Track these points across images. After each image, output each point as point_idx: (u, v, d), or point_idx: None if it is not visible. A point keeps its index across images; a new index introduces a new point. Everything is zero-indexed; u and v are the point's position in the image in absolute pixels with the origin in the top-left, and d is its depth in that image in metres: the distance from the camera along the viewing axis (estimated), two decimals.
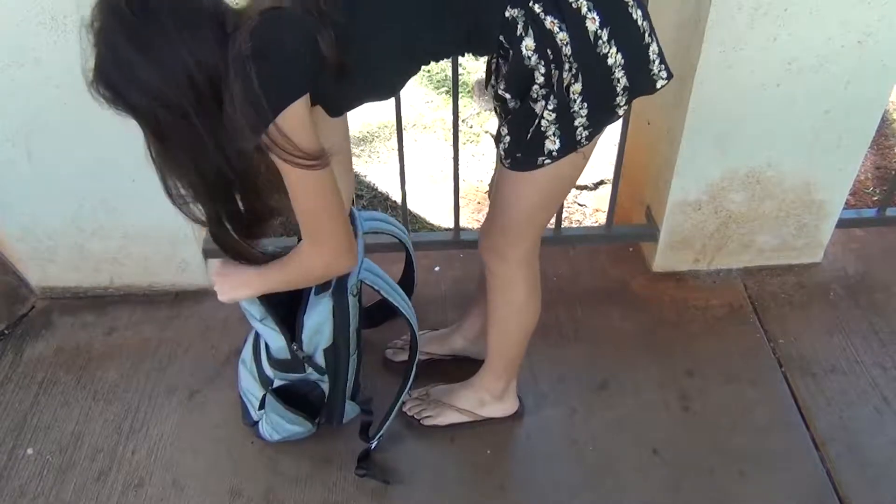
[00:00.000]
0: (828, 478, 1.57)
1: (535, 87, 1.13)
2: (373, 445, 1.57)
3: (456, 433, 1.65)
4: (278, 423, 1.56)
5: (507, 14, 1.08)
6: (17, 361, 1.84)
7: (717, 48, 1.62)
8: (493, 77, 1.25)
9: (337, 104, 1.20)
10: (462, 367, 1.70)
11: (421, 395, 1.68)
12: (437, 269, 2.08)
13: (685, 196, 1.89)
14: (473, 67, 3.27)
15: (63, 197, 1.80)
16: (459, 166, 1.91)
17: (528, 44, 1.09)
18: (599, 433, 1.66)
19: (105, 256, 1.93)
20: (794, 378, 1.77)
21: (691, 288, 2.02)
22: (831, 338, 1.87)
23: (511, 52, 1.11)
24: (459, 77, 1.81)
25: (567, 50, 1.09)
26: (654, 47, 1.17)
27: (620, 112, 1.19)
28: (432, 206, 2.62)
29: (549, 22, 1.07)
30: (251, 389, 1.58)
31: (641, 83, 1.17)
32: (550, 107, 1.13)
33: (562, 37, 1.08)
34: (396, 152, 1.89)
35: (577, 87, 1.12)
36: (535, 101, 1.14)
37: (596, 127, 1.18)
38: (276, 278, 1.30)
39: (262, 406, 1.55)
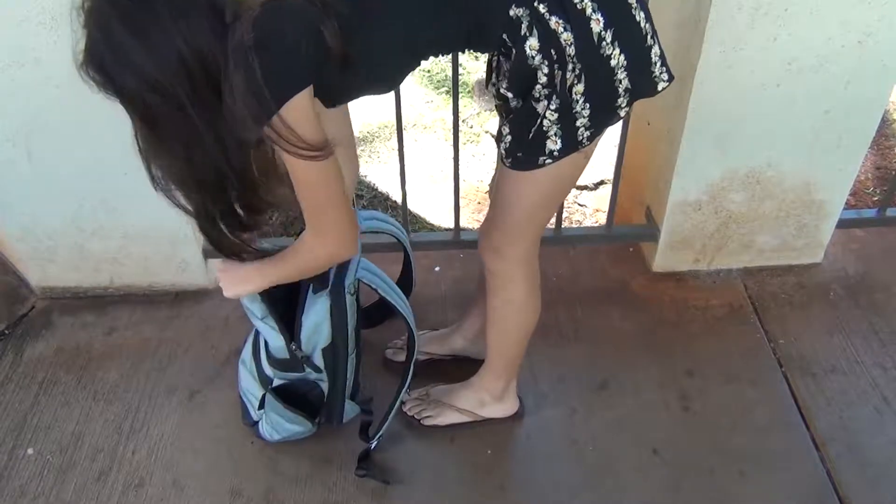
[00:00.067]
0: (828, 478, 1.57)
1: (538, 86, 1.13)
2: (373, 445, 1.57)
3: (456, 433, 1.65)
4: (278, 423, 1.56)
5: (511, 13, 1.08)
6: (18, 361, 1.84)
7: (717, 48, 1.62)
8: (493, 75, 1.25)
9: (336, 96, 1.20)
10: (462, 367, 1.70)
11: (421, 396, 1.68)
12: (437, 269, 2.08)
13: (685, 196, 1.89)
14: (473, 67, 3.27)
15: (63, 197, 1.80)
16: (459, 166, 1.91)
17: (533, 43, 1.09)
18: (599, 433, 1.66)
19: (105, 256, 1.93)
20: (794, 378, 1.77)
21: (691, 288, 2.02)
22: (831, 338, 1.87)
23: (514, 51, 1.11)
24: (459, 77, 1.81)
25: (571, 50, 1.09)
26: (656, 49, 1.17)
27: (622, 113, 1.19)
28: (432, 206, 2.61)
29: (554, 22, 1.07)
30: (251, 389, 1.58)
31: (643, 85, 1.17)
32: (553, 107, 1.13)
33: (566, 37, 1.08)
34: (396, 152, 1.89)
35: (580, 87, 1.12)
36: (538, 100, 1.14)
37: (597, 128, 1.18)
38: (277, 271, 1.30)
39: (261, 406, 1.56)
